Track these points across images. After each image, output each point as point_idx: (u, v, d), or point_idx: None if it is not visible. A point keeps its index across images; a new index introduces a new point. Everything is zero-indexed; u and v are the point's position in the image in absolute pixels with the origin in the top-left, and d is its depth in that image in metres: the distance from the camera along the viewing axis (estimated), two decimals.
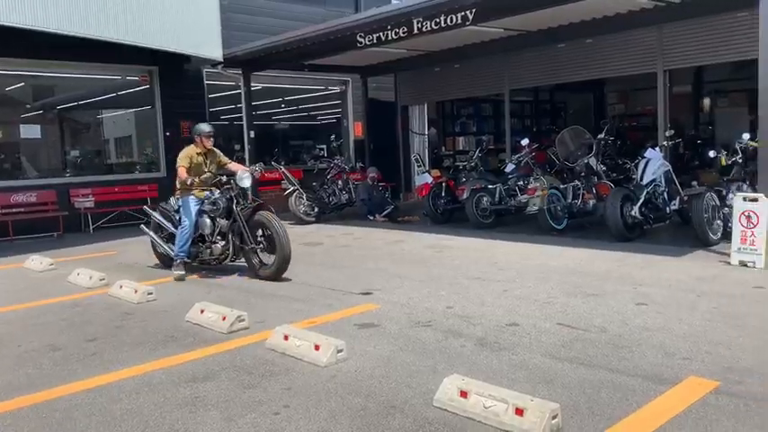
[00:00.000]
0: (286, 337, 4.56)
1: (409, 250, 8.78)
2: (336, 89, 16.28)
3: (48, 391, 3.99)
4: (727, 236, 7.29)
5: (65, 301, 6.47)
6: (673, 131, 9.71)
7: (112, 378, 4.16)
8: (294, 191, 12.18)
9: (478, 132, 16.97)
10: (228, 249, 7.30)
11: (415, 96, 15.72)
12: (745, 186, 7.94)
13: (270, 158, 12.73)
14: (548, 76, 13.12)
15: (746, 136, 8.15)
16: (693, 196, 7.80)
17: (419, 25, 9.67)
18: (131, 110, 14.12)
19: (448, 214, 11.31)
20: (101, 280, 7.14)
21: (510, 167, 10.85)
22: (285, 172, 12.30)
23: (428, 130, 16.22)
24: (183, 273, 7.30)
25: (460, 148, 16.59)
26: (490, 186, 10.39)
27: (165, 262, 7.90)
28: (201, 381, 4.05)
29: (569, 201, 9.46)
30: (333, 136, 14.44)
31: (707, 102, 15.39)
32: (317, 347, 4.30)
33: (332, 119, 16.71)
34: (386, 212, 12.12)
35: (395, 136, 15.94)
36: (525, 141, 10.87)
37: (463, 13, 9.05)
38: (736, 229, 6.73)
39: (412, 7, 9.43)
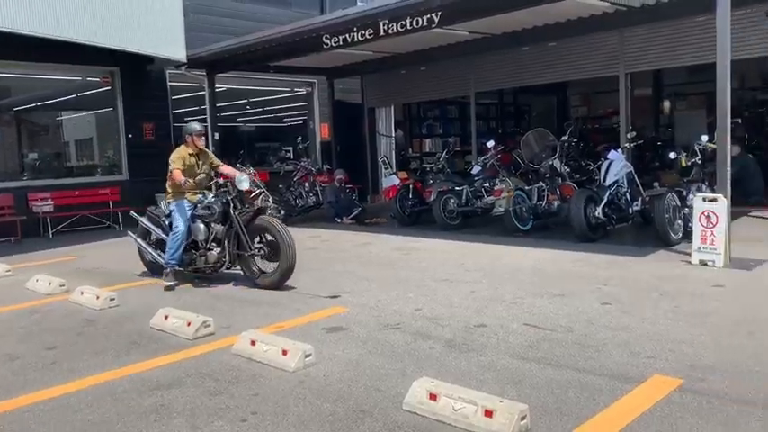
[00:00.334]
0: (253, 343, 4.49)
1: (377, 252, 8.77)
2: (302, 91, 16.20)
3: (5, 402, 3.86)
4: (687, 235, 7.45)
5: (23, 309, 6.27)
6: (634, 133, 9.91)
7: (73, 387, 4.05)
8: (260, 193, 12.03)
9: (445, 134, 17.07)
10: (224, 256, 6.85)
11: (382, 98, 15.73)
12: (704, 187, 8.13)
13: (235, 161, 12.54)
14: (512, 78, 13.28)
15: (705, 138, 8.36)
16: (655, 197, 7.96)
17: (385, 27, 9.67)
18: (92, 112, 13.82)
19: (415, 216, 11.34)
20: (61, 286, 6.95)
21: (476, 169, 10.92)
22: (251, 174, 12.16)
23: (395, 132, 16.24)
24: (175, 283, 6.87)
25: (427, 150, 16.65)
26: (457, 188, 10.44)
27: (154, 270, 7.45)
28: (166, 388, 3.97)
29: (534, 202, 9.56)
30: (299, 138, 14.36)
31: (667, 104, 15.75)
32: (284, 352, 4.25)
33: (298, 120, 16.61)
34: (353, 215, 12.09)
35: (362, 138, 15.93)
36: (491, 143, 10.96)
37: (429, 16, 9.08)
38: (697, 228, 6.88)
39: (378, 9, 9.43)
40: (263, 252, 6.66)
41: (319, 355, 4.34)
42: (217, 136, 12.99)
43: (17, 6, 9.47)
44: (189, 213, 6.98)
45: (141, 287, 7.12)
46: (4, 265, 8.21)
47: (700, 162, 8.24)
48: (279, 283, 6.50)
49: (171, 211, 7.10)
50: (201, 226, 6.91)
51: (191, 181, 6.93)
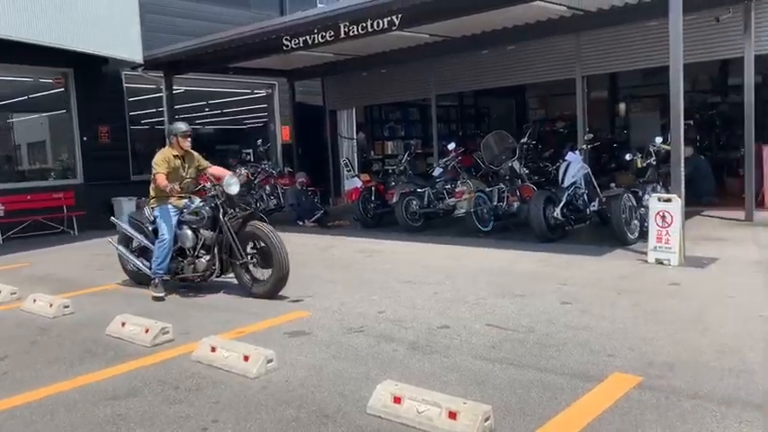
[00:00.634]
0: (213, 349, 4.41)
1: (340, 255, 8.72)
2: (263, 93, 16.05)
3: None
4: (643, 235, 7.62)
5: None
6: (591, 135, 10.10)
7: (25, 399, 3.90)
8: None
9: (407, 137, 17.11)
10: (214, 264, 6.44)
11: (343, 100, 15.69)
12: (659, 187, 8.34)
13: None
14: (472, 81, 13.41)
15: (659, 139, 8.57)
16: (612, 197, 8.12)
17: (346, 29, 9.65)
18: (45, 114, 13.42)
19: (378, 218, 11.33)
20: (12, 294, 6.72)
21: (438, 171, 10.98)
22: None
23: (357, 134, 16.22)
24: (163, 294, 6.46)
25: (389, 152, 16.67)
26: (419, 190, 10.48)
27: (138, 280, 7.04)
28: (124, 398, 3.86)
29: (495, 203, 9.66)
30: (260, 140, 14.20)
31: (622, 106, 16.10)
32: (246, 358, 4.18)
33: (259, 123, 16.46)
34: (315, 217, 12.01)
35: (323, 140, 15.86)
36: (452, 145, 11.05)
37: (390, 18, 9.10)
38: (652, 228, 7.04)
39: (338, 11, 9.40)
40: (255, 260, 6.31)
41: (281, 361, 4.29)
42: None
43: None
44: (175, 219, 6.58)
45: (97, 294, 6.93)
46: None
47: (654, 163, 8.46)
48: (272, 293, 6.14)
49: (155, 217, 6.70)
50: (189, 232, 6.53)
51: (177, 186, 6.49)
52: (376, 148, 17.03)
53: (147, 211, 6.93)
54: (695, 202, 9.97)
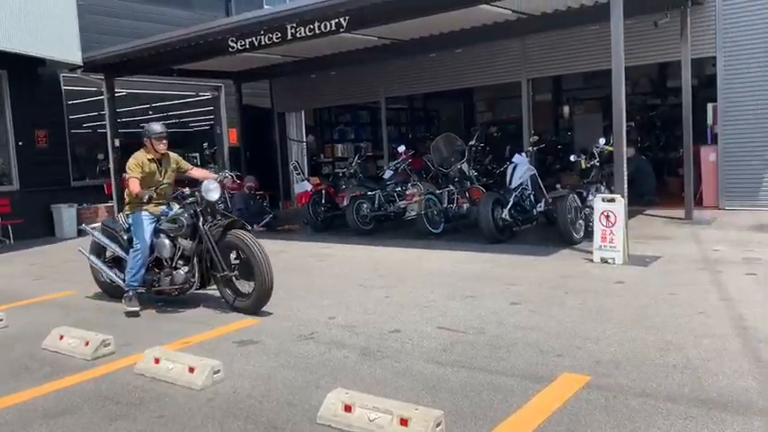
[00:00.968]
0: (157, 361, 4.25)
1: (290, 260, 8.59)
2: (209, 95, 15.73)
3: None
4: (589, 235, 7.78)
5: None
6: (537, 137, 10.28)
7: None
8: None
9: (357, 139, 17.07)
10: (193, 276, 5.97)
11: (292, 103, 15.54)
12: (602, 188, 8.53)
13: None
14: (421, 84, 13.49)
15: (602, 141, 8.77)
16: (557, 198, 8.27)
17: (293, 31, 9.52)
18: None
19: (328, 222, 11.24)
20: None
21: (388, 174, 10.97)
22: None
23: (306, 137, 16.08)
24: (138, 308, 5.98)
25: (339, 155, 16.59)
26: (369, 193, 10.44)
27: (111, 292, 6.58)
28: (60, 415, 3.67)
29: (445, 205, 9.71)
30: (206, 144, 13.92)
31: (566, 109, 16.45)
32: (191, 370, 4.05)
33: (205, 126, 16.12)
34: (264, 222, 11.82)
35: (272, 143, 15.66)
36: (402, 148, 11.06)
37: (337, 20, 9.03)
38: (597, 228, 7.18)
39: (286, 12, 9.27)
40: (237, 272, 5.85)
41: (229, 371, 4.17)
42: (117, 143, 12.37)
43: None
44: (151, 228, 6.12)
45: (34, 305, 6.62)
46: None
47: (598, 164, 8.65)
48: (255, 308, 5.70)
49: (129, 225, 6.25)
50: (166, 242, 6.05)
51: (153, 192, 6.05)
52: (326, 150, 16.93)
53: (121, 218, 6.50)
54: (637, 202, 10.25)
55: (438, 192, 9.78)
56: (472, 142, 10.01)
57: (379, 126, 14.98)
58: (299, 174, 12.81)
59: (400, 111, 17.81)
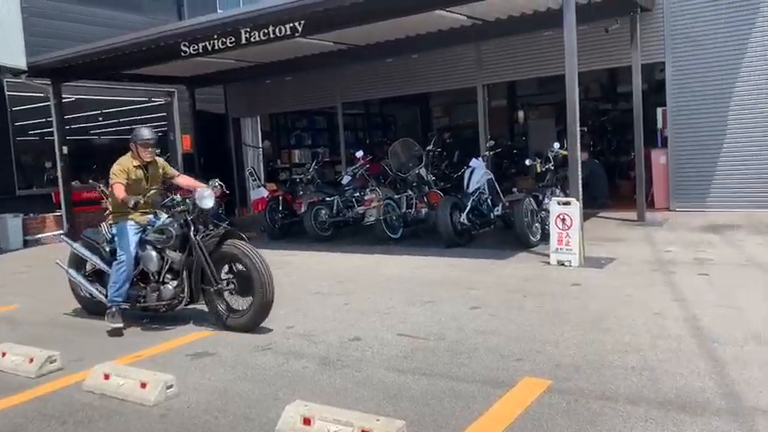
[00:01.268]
0: (107, 377, 4.08)
1: None
2: (161, 100, 15.39)
3: None
4: (545, 237, 7.86)
5: None
6: (493, 142, 10.36)
7: None
8: None
9: (314, 145, 16.92)
10: (183, 292, 5.53)
11: (247, 108, 15.33)
12: (557, 191, 8.65)
13: (88, 176, 11.66)
14: (377, 89, 13.48)
15: (557, 145, 8.89)
16: (514, 202, 8.34)
17: (247, 35, 9.38)
18: None
19: (286, 228, 11.08)
20: None
21: (346, 179, 10.89)
22: (105, 190, 11.31)
23: (262, 142, 15.87)
24: (121, 325, 5.56)
25: (296, 160, 16.43)
26: (327, 199, 10.34)
27: (91, 308, 6.13)
28: None
29: (403, 210, 9.69)
30: (158, 150, 13.55)
31: (521, 114, 16.67)
32: (143, 385, 3.89)
33: (157, 132, 15.71)
34: None
35: (227, 149, 15.41)
36: (360, 153, 11.00)
37: (292, 25, 8.93)
38: (553, 231, 7.25)
39: (239, 17, 9.13)
40: (232, 286, 5.42)
41: (183, 385, 4.03)
42: (65, 150, 11.97)
43: None
44: (137, 238, 5.70)
45: None
46: None
47: (553, 168, 8.76)
48: (252, 325, 5.28)
49: (113, 236, 5.84)
50: (153, 254, 5.62)
51: (140, 199, 5.59)
52: (282, 156, 16.75)
53: (104, 227, 6.02)
54: (591, 205, 10.40)
55: (396, 197, 9.76)
56: (429, 147, 10.03)
57: (337, 131, 14.90)
58: (255, 180, 12.61)
59: (357, 116, 17.77)
